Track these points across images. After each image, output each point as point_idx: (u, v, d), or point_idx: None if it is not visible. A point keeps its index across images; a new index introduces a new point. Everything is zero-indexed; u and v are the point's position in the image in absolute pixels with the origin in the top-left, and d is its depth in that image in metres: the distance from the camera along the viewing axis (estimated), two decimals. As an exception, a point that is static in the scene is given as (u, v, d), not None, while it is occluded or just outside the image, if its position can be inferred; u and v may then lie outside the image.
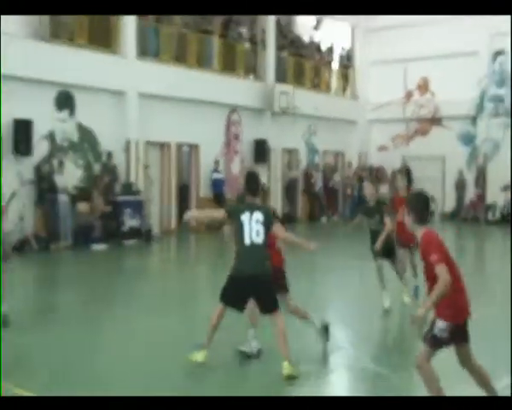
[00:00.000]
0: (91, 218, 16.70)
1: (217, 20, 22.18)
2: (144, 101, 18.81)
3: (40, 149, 16.54)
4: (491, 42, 24.79)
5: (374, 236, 9.56)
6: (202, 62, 21.46)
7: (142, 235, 17.47)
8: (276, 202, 23.03)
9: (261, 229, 6.66)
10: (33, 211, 16.24)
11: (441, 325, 4.96)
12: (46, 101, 16.71)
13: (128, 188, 17.79)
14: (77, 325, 8.90)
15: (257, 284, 6.67)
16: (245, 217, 6.64)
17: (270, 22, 24.05)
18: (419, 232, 5.11)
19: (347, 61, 29.16)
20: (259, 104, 23.27)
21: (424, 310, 4.83)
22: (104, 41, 18.28)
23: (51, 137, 16.89)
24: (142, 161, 18.72)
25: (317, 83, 27.12)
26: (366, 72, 28.81)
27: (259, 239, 6.66)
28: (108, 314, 9.53)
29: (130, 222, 17.37)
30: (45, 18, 16.57)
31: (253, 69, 23.75)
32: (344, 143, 27.83)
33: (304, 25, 27.90)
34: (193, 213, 8.56)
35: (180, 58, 20.65)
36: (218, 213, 7.17)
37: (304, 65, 26.37)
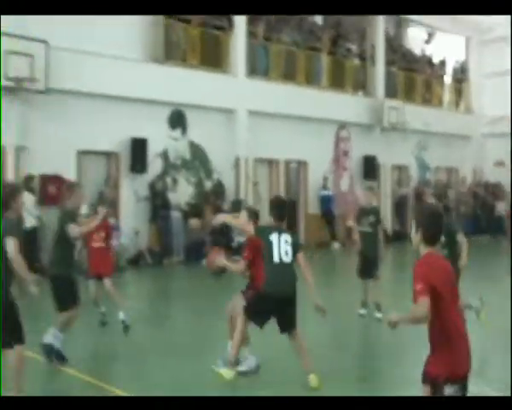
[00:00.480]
0: (202, 233, 17.21)
1: (325, 37, 22.44)
2: (253, 118, 19.23)
3: (154, 166, 17.25)
4: None
5: None
6: (311, 79, 21.74)
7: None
8: (386, 219, 22.91)
9: (290, 249, 6.79)
10: (148, 227, 16.95)
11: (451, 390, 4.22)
12: (160, 120, 17.43)
13: (237, 204, 18.22)
14: (188, 333, 9.32)
15: (283, 303, 6.77)
16: (274, 237, 6.79)
17: (379, 37, 24.08)
18: (422, 253, 4.44)
19: (461, 74, 28.70)
20: (369, 120, 23.30)
21: (397, 319, 4.11)
22: (215, 61, 18.90)
23: (165, 155, 17.60)
24: (251, 177, 19.13)
25: (429, 97, 26.81)
26: (481, 85, 28.25)
27: (288, 258, 6.79)
28: (220, 326, 9.90)
29: (238, 238, 17.80)
30: (160, 41, 17.42)
31: (362, 85, 23.80)
32: (457, 159, 27.31)
33: (415, 38, 27.78)
34: (221, 218, 8.62)
35: (289, 75, 20.96)
36: (239, 222, 7.55)
37: (415, 79, 26.15)
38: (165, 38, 17.67)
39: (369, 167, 23.01)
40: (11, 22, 14.52)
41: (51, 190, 15.25)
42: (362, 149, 22.99)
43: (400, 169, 25.05)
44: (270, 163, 20.58)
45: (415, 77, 26.20)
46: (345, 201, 21.71)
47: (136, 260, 16.32)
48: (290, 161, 21.25)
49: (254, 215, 7.44)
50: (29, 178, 14.64)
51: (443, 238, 7.97)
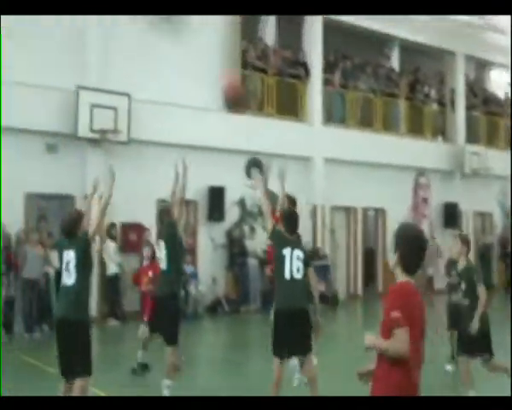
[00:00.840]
0: None
1: (403, 83, 22.49)
2: (330, 166, 19.33)
3: (232, 214, 17.57)
4: None
5: None
6: (388, 126, 21.75)
7: (328, 299, 17.78)
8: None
9: (301, 266, 6.85)
10: (225, 274, 17.19)
11: None
12: (237, 169, 17.65)
13: (314, 252, 18.29)
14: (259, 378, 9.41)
15: (293, 321, 6.75)
16: (287, 251, 6.86)
17: (459, 81, 23.99)
18: (398, 280, 3.87)
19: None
20: (449, 166, 23.09)
21: (372, 345, 3.71)
22: (291, 109, 19.19)
23: (242, 203, 17.88)
24: (327, 225, 19.22)
25: (512, 142, 26.39)
26: None
27: (299, 275, 6.85)
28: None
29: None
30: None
31: (441, 130, 23.62)
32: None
33: (497, 81, 27.46)
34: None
35: (366, 122, 21.03)
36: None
37: (497, 123, 25.78)
38: (243, 88, 18.11)
39: (450, 215, 22.68)
40: (96, 77, 15.38)
41: (132, 237, 15.79)
42: (442, 196, 22.76)
43: (483, 216, 24.56)
44: (348, 211, 20.58)
45: (497, 121, 25.83)
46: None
47: (213, 308, 16.53)
48: (368, 208, 21.24)
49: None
50: (111, 226, 15.20)
51: (463, 286, 7.96)
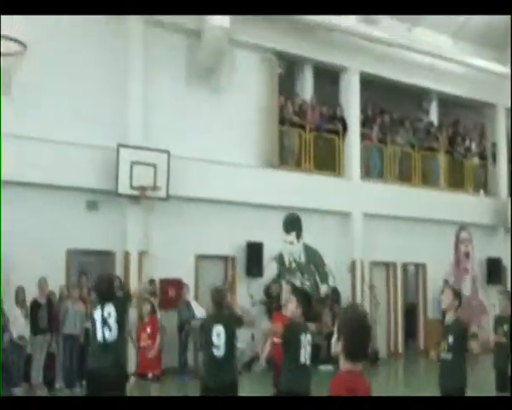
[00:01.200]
0: (319, 338, 17.05)
1: (442, 137, 22.41)
2: (369, 221, 19.27)
3: (270, 270, 17.59)
4: None
5: None
6: (428, 180, 21.64)
7: (368, 357, 17.55)
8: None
9: (310, 350, 6.93)
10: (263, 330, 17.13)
11: None
12: (275, 224, 17.81)
13: (354, 307, 18.12)
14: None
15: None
16: (303, 337, 6.86)
17: (500, 134, 23.81)
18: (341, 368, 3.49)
19: None
20: (491, 221, 22.75)
21: None
22: (329, 164, 19.23)
23: (280, 258, 17.90)
24: (367, 281, 19.08)
25: None
26: None
27: (309, 360, 6.95)
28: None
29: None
30: (275, 147, 18.08)
31: (483, 184, 23.32)
32: None
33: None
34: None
35: (404, 177, 20.96)
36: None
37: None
38: (280, 144, 18.31)
39: (494, 270, 22.25)
40: (136, 135, 15.71)
41: (171, 293, 15.90)
42: (485, 251, 22.40)
43: None
44: (387, 266, 20.40)
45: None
46: (468, 305, 21.12)
47: (250, 364, 16.44)
48: (408, 263, 21.00)
49: (306, 302, 7.18)
50: (150, 283, 15.30)
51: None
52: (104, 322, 7.38)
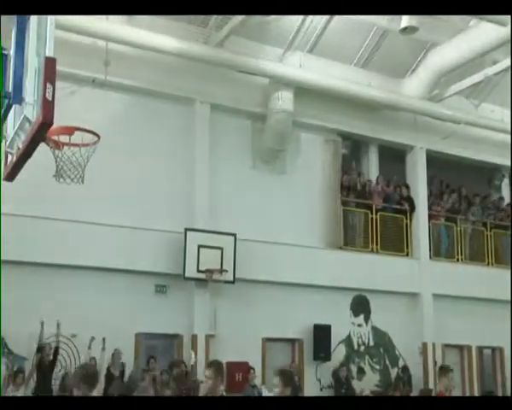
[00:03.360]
0: None
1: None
2: (439, 301, 18.94)
3: (337, 353, 17.40)
4: None
5: None
6: (499, 259, 21.11)
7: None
8: None
9: None
10: (332, 415, 16.82)
11: None
12: (343, 306, 17.74)
13: (427, 392, 17.63)
14: None
15: None
16: None
17: None
18: None
19: None
20: None
21: None
22: (397, 244, 19.08)
23: (349, 341, 17.72)
24: (439, 363, 18.55)
25: None
26: None
27: None
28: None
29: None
30: (339, 228, 18.11)
31: None
32: None
33: None
34: None
35: (475, 256, 20.60)
36: None
37: None
38: (344, 225, 18.38)
39: None
40: (204, 220, 15.99)
41: (238, 377, 15.78)
42: None
43: None
44: (461, 348, 19.86)
45: None
46: None
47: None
48: (483, 346, 20.34)
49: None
50: (219, 364, 15.24)
51: None
52: None
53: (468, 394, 19.33)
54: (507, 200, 22.63)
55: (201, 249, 15.50)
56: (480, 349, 20.34)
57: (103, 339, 13.79)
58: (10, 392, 12.42)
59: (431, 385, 18.06)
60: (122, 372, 14.24)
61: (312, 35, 17.14)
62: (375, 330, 18.17)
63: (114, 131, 14.30)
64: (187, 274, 15.39)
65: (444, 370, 11.48)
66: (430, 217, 19.90)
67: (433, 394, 17.57)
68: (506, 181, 22.75)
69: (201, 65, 15.72)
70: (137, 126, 15.75)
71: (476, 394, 19.37)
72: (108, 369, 14.01)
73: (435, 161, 20.23)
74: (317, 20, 16.74)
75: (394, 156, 20.08)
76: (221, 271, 15.57)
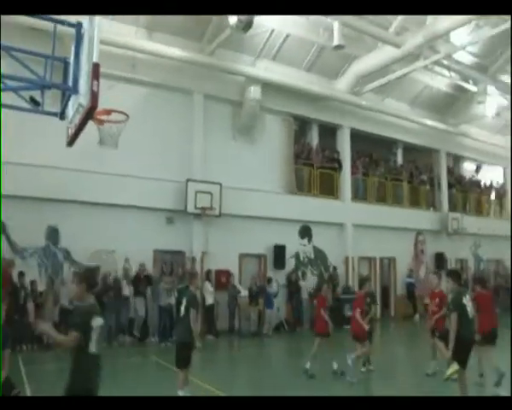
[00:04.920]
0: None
1: (405, 172, 21.94)
2: (357, 229, 18.83)
3: (290, 264, 17.19)
4: None
5: None
6: (396, 201, 21.14)
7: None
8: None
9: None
10: (285, 305, 16.69)
11: None
12: (294, 232, 17.46)
13: (347, 289, 17.69)
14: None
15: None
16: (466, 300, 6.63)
17: (443, 169, 23.34)
18: None
19: (502, 192, 27.15)
20: (438, 227, 22.25)
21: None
22: (330, 191, 18.77)
23: (297, 256, 17.49)
24: (356, 270, 18.60)
25: (480, 210, 25.45)
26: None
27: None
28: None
29: (348, 313, 17.09)
30: (293, 179, 17.64)
31: (432, 203, 22.93)
32: (502, 253, 25.42)
33: (467, 169, 26.70)
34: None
35: (381, 199, 20.53)
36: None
37: (469, 198, 24.94)
38: (296, 176, 17.92)
39: (440, 261, 21.74)
40: (199, 173, 15.39)
41: (222, 279, 15.51)
42: (434, 248, 21.86)
43: (462, 261, 23.45)
44: (370, 260, 19.87)
45: (469, 196, 25.01)
46: (423, 285, 20.53)
47: (278, 328, 16.04)
48: (383, 258, 20.43)
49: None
50: (208, 272, 14.98)
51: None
52: (180, 305, 7.38)
53: (374, 288, 19.37)
54: (400, 162, 22.55)
55: (198, 194, 14.94)
56: (382, 260, 20.37)
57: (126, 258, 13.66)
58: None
59: (350, 284, 18.05)
60: (146, 276, 13.96)
61: (274, 48, 16.58)
62: (314, 248, 17.96)
63: (138, 113, 13.49)
64: (188, 210, 14.86)
65: (365, 278, 11.36)
66: (352, 173, 19.52)
67: (353, 290, 17.57)
68: (400, 150, 22.61)
69: (198, 68, 15.10)
70: (154, 110, 15.05)
71: (378, 288, 19.41)
72: (137, 273, 13.80)
73: (356, 136, 19.79)
74: (277, 37, 16.25)
75: (329, 132, 19.55)
76: (211, 208, 15.07)
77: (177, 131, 15.42)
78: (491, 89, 20.67)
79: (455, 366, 6.74)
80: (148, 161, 14.63)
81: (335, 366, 9.49)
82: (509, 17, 13.44)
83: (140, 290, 13.63)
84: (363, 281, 10.48)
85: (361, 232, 18.86)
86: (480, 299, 8.32)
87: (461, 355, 6.59)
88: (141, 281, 13.71)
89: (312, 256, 17.83)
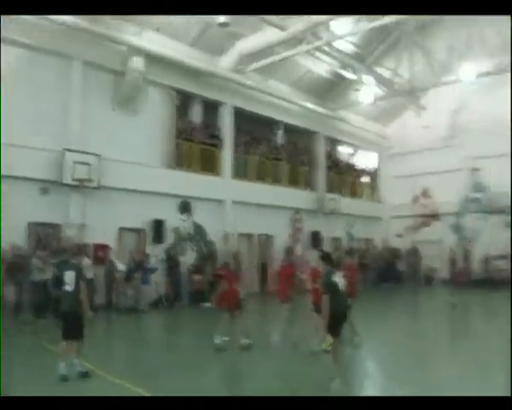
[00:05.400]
0: (202, 285, 17.20)
1: (285, 152, 23.28)
2: (236, 206, 19.68)
3: (169, 238, 17.63)
4: (471, 162, 24.87)
5: None
6: (276, 180, 22.26)
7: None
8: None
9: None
10: (164, 280, 17.03)
11: None
12: (173, 207, 17.84)
13: (226, 265, 18.31)
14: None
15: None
16: (337, 277, 7.17)
17: (320, 152, 25.09)
18: None
19: (375, 176, 29.89)
20: (315, 207, 23.87)
21: None
22: (211, 167, 19.46)
23: (176, 231, 17.92)
24: (235, 247, 19.39)
25: (354, 192, 27.73)
26: (387, 184, 29.34)
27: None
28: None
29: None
30: (172, 153, 18.08)
31: (310, 184, 24.43)
32: (372, 233, 28.12)
33: (343, 153, 28.86)
34: None
35: (260, 177, 21.49)
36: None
37: (344, 180, 27.05)
38: (177, 152, 18.36)
39: (316, 239, 23.39)
40: (76, 142, 15.32)
41: (100, 254, 15.68)
42: (310, 226, 23.42)
43: (336, 240, 25.21)
44: (249, 236, 20.89)
45: (344, 178, 27.13)
46: (299, 262, 21.98)
47: (156, 304, 16.45)
48: (262, 235, 21.51)
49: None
50: (85, 246, 15.02)
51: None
52: (66, 279, 7.58)
53: (251, 265, 20.54)
54: (280, 142, 23.85)
55: (75, 164, 14.91)
56: (260, 236, 21.49)
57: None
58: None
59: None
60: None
61: (159, 19, 16.51)
62: (194, 223, 18.45)
63: (10, 75, 13.22)
64: (64, 181, 14.78)
65: (236, 254, 12.20)
66: (233, 150, 20.33)
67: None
68: (281, 131, 23.86)
69: (79, 33, 14.80)
70: (28, 73, 14.68)
71: (256, 265, 20.62)
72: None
73: (239, 114, 20.63)
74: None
75: (212, 108, 20.17)
76: (89, 180, 15.14)
77: (53, 98, 15.16)
78: (367, 78, 22.78)
79: (330, 339, 7.35)
80: (20, 128, 14.24)
81: (218, 339, 9.74)
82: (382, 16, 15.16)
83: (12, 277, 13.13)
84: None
85: (241, 209, 19.79)
86: (346, 268, 9.57)
87: (334, 329, 7.12)
88: (12, 268, 13.15)
89: (192, 232, 18.38)
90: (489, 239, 23.20)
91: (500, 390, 6.13)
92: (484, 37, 21.78)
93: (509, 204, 23.22)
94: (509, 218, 23.40)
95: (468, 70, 20.65)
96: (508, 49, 20.53)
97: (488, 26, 20.92)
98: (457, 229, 24.56)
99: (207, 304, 15.97)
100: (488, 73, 21.62)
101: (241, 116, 20.73)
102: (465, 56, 21.98)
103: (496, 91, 23.78)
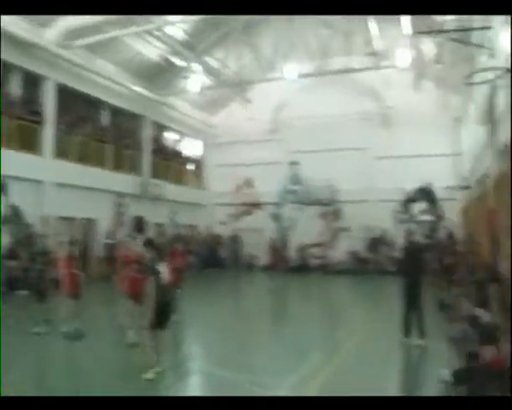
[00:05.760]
0: (17, 271, 16.44)
1: (111, 134, 23.28)
2: (57, 188, 19.29)
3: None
4: (289, 156, 27.05)
5: None
6: (100, 162, 22.14)
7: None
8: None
9: None
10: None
11: None
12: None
13: (44, 249, 17.77)
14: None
15: None
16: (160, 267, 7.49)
17: (147, 136, 25.59)
18: None
19: (200, 164, 31.23)
20: (139, 192, 24.25)
21: None
22: (29, 145, 18.60)
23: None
24: (55, 231, 18.98)
25: (179, 178, 28.61)
26: (212, 172, 30.85)
27: None
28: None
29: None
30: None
31: (135, 168, 24.71)
32: (196, 219, 29.36)
33: (170, 139, 29.64)
34: None
35: (83, 159, 21.16)
36: None
37: (170, 166, 27.80)
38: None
39: (139, 224, 23.17)
40: None
41: None
42: (135, 211, 23.47)
43: (159, 226, 25.55)
44: (71, 220, 20.57)
45: (170, 164, 27.88)
46: (122, 246, 22.10)
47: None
48: (83, 218, 21.35)
49: None
50: None
51: None
52: None
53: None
54: (106, 123, 23.72)
55: None
56: (82, 220, 21.31)
57: None
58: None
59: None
60: None
61: None
62: (12, 206, 17.14)
63: None
64: None
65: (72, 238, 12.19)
66: (55, 129, 19.72)
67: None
68: (107, 113, 23.67)
69: None
70: None
71: (77, 249, 20.31)
72: None
73: (64, 91, 20.17)
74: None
75: (34, 82, 19.42)
76: None
77: None
78: (196, 67, 23.84)
79: (156, 368, 7.33)
80: None
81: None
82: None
83: None
84: None
85: (62, 191, 19.45)
86: (172, 254, 10.24)
87: (158, 320, 7.28)
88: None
89: (8, 213, 17.41)
90: (305, 229, 25.95)
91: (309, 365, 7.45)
92: (306, 40, 24.29)
93: (325, 197, 26.03)
94: (323, 209, 26.39)
95: (291, 69, 22.93)
96: (326, 55, 23.30)
97: (309, 30, 23.44)
98: (277, 218, 26.42)
99: (23, 292, 15.23)
100: (308, 75, 24.24)
101: (65, 93, 20.31)
102: (289, 56, 24.27)
103: (315, 92, 26.77)
